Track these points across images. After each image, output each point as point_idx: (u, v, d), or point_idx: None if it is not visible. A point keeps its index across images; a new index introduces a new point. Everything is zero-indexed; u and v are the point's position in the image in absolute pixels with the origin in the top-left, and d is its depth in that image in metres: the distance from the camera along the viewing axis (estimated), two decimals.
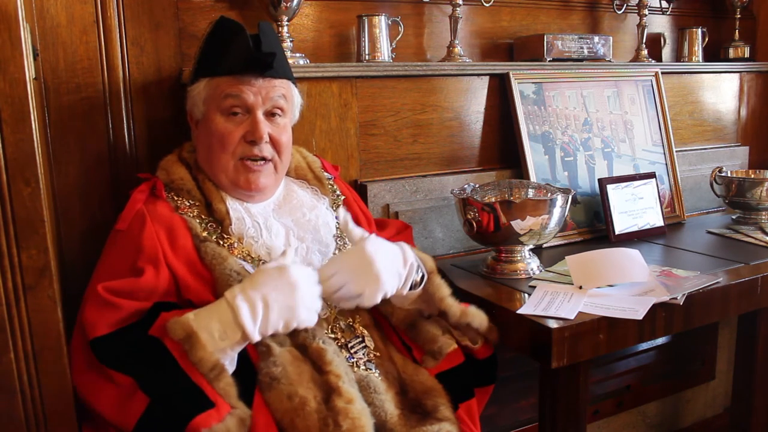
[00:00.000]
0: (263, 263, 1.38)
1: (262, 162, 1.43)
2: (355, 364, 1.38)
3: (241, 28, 1.40)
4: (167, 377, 1.17)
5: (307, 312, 1.25)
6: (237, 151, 1.41)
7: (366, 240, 1.37)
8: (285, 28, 1.82)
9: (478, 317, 1.45)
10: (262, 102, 1.42)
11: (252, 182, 1.43)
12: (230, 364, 1.23)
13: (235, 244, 1.39)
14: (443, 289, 1.43)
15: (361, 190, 1.88)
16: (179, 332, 1.18)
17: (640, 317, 1.45)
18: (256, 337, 1.21)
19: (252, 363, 1.28)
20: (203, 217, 1.40)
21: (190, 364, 1.17)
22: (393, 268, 1.36)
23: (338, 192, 1.62)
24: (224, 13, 1.83)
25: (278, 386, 1.24)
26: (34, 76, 1.19)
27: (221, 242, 1.38)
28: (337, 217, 1.57)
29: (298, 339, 1.33)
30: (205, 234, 1.38)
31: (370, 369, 1.39)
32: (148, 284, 1.27)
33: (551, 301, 1.53)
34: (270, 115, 1.44)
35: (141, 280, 1.27)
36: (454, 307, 1.43)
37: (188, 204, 1.41)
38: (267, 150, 1.43)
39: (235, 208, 1.43)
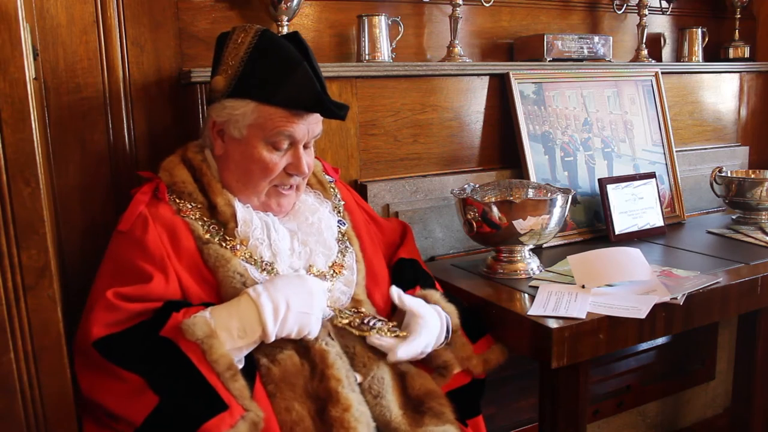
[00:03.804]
0: (268, 265, 1.39)
1: (289, 187, 1.47)
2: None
3: (301, 57, 1.37)
4: (180, 377, 1.17)
5: (317, 322, 1.30)
6: (275, 180, 1.44)
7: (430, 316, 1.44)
8: (285, 29, 1.82)
9: (501, 358, 1.52)
10: (306, 136, 1.43)
11: (283, 206, 1.48)
12: (239, 365, 1.24)
13: (239, 246, 1.39)
14: (467, 349, 1.49)
15: (361, 190, 1.88)
16: (198, 332, 1.19)
17: (643, 316, 1.46)
18: (272, 338, 1.25)
19: (253, 360, 1.28)
20: (205, 219, 1.40)
21: (206, 364, 1.18)
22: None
23: (339, 196, 1.63)
24: (224, 13, 1.83)
25: (274, 400, 1.25)
26: (34, 76, 1.19)
27: (224, 244, 1.38)
28: (342, 222, 1.58)
29: (301, 341, 1.33)
30: (207, 236, 1.37)
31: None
32: (158, 290, 1.27)
33: (558, 301, 1.53)
34: (305, 144, 1.46)
35: (151, 286, 1.27)
36: (478, 367, 1.48)
37: (190, 207, 1.40)
38: (297, 179, 1.47)
39: (242, 210, 1.43)
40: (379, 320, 1.41)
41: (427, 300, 1.49)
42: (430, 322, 1.42)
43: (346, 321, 1.38)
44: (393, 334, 1.39)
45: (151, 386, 1.16)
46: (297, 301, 1.27)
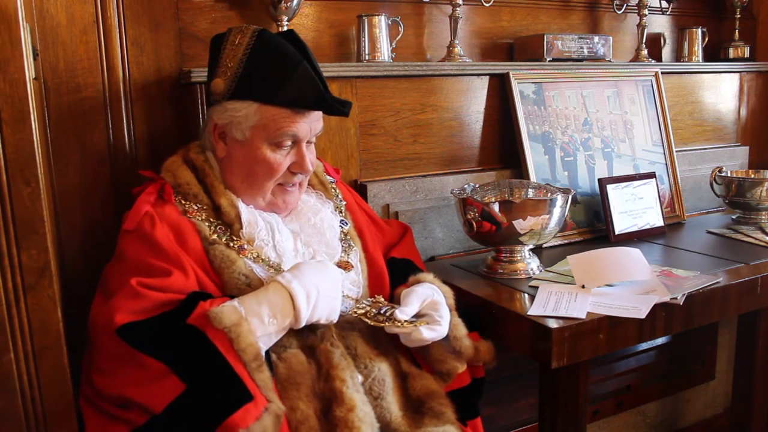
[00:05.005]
0: (276, 264, 1.39)
1: (293, 185, 1.48)
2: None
3: (300, 56, 1.38)
4: (206, 366, 1.16)
5: (339, 307, 1.32)
6: (279, 179, 1.44)
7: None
8: (285, 28, 1.82)
9: (488, 354, 1.49)
10: (309, 134, 1.44)
11: (288, 203, 1.49)
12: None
13: (246, 246, 1.39)
14: (460, 329, 1.47)
15: (361, 190, 1.88)
16: (225, 320, 1.17)
17: (643, 316, 1.46)
18: (304, 323, 1.27)
19: (269, 354, 1.28)
20: (212, 220, 1.40)
21: (233, 353, 1.17)
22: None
23: (341, 197, 1.63)
24: (224, 13, 1.83)
25: (281, 399, 1.24)
26: (34, 76, 1.19)
27: (231, 244, 1.38)
28: (345, 222, 1.58)
29: (306, 341, 1.33)
30: (214, 237, 1.37)
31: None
32: (179, 284, 1.27)
33: (558, 301, 1.53)
34: (308, 141, 1.46)
35: (171, 280, 1.26)
36: (469, 348, 1.46)
37: (196, 208, 1.41)
38: (301, 176, 1.48)
39: (246, 211, 1.43)
40: (396, 309, 1.40)
41: (420, 281, 1.49)
42: (444, 305, 1.45)
43: (362, 311, 1.38)
44: (410, 324, 1.37)
45: (177, 374, 1.15)
46: (325, 286, 1.29)
